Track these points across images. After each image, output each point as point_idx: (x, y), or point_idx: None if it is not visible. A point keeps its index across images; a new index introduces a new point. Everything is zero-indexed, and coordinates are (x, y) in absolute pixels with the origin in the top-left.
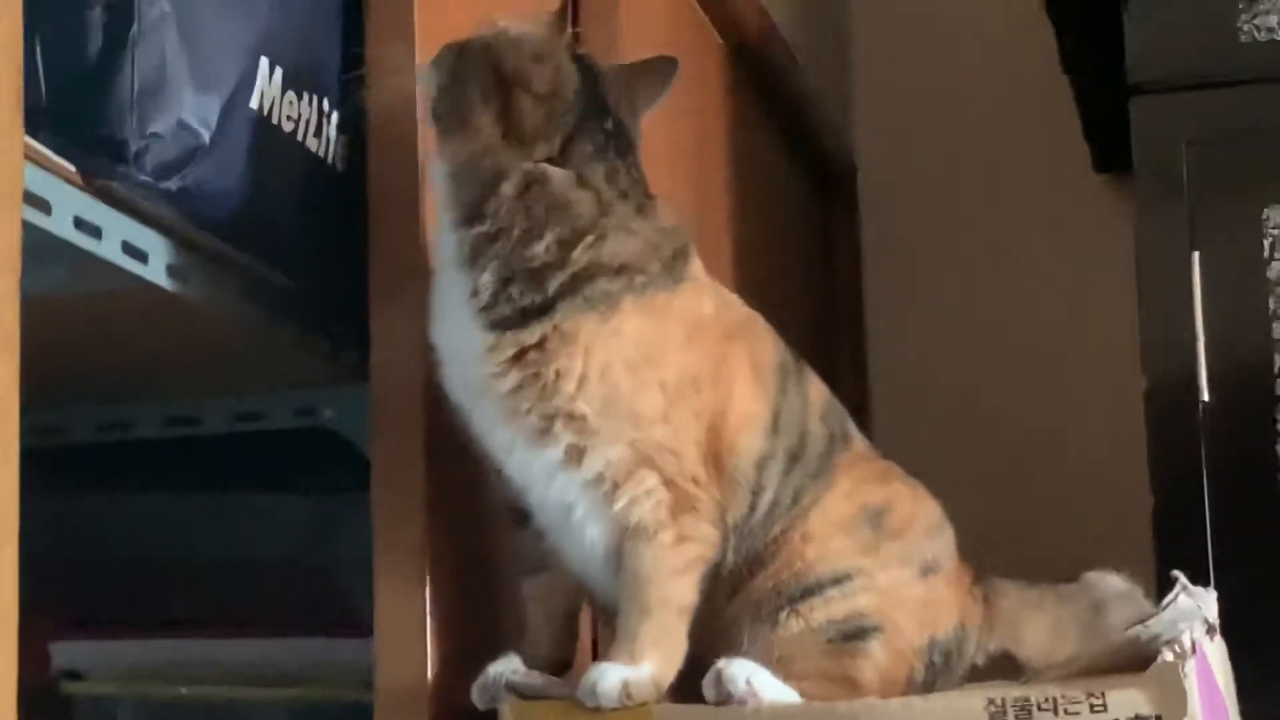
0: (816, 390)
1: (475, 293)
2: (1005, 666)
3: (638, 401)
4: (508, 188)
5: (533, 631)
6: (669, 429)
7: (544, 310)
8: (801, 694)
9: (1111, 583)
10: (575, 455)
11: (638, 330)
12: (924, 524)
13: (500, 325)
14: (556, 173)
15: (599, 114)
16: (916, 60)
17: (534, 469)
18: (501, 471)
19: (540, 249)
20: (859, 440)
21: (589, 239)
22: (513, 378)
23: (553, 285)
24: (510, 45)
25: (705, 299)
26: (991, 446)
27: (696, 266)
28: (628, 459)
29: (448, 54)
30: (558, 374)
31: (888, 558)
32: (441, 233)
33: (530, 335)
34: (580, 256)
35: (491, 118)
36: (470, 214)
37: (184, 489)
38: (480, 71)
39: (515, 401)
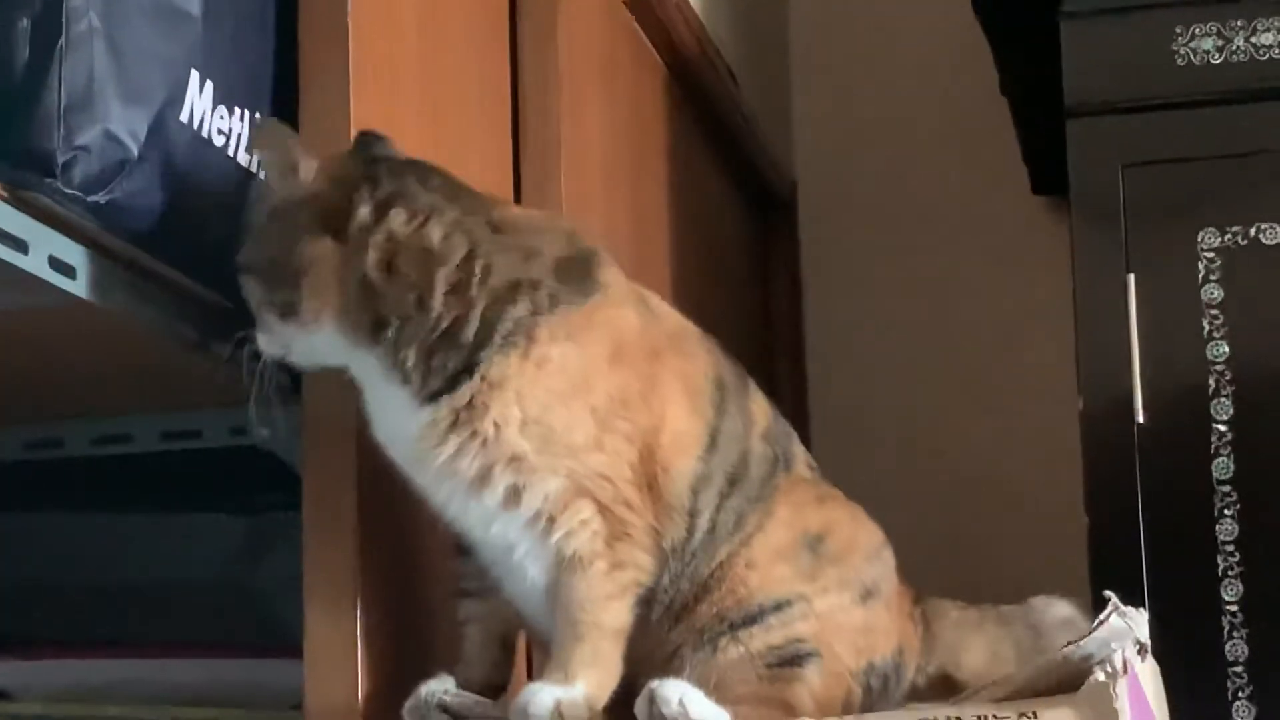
0: (760, 408)
1: (405, 379)
2: (946, 687)
3: (573, 432)
4: (381, 282)
5: (469, 653)
6: (604, 455)
7: (469, 368)
8: (736, 718)
9: (1057, 609)
10: (514, 495)
11: (561, 357)
12: (864, 549)
13: (434, 396)
14: (400, 229)
15: (376, 163)
16: (855, 82)
17: (473, 515)
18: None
19: (439, 307)
20: (801, 461)
21: (475, 274)
22: (452, 444)
23: (468, 335)
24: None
25: (627, 310)
26: (930, 468)
27: (610, 274)
28: (565, 490)
29: (254, 257)
30: (496, 425)
31: (826, 583)
32: (350, 358)
33: (461, 397)
34: (478, 296)
35: (324, 240)
36: (371, 331)
37: (114, 508)
38: (283, 235)
39: (456, 462)
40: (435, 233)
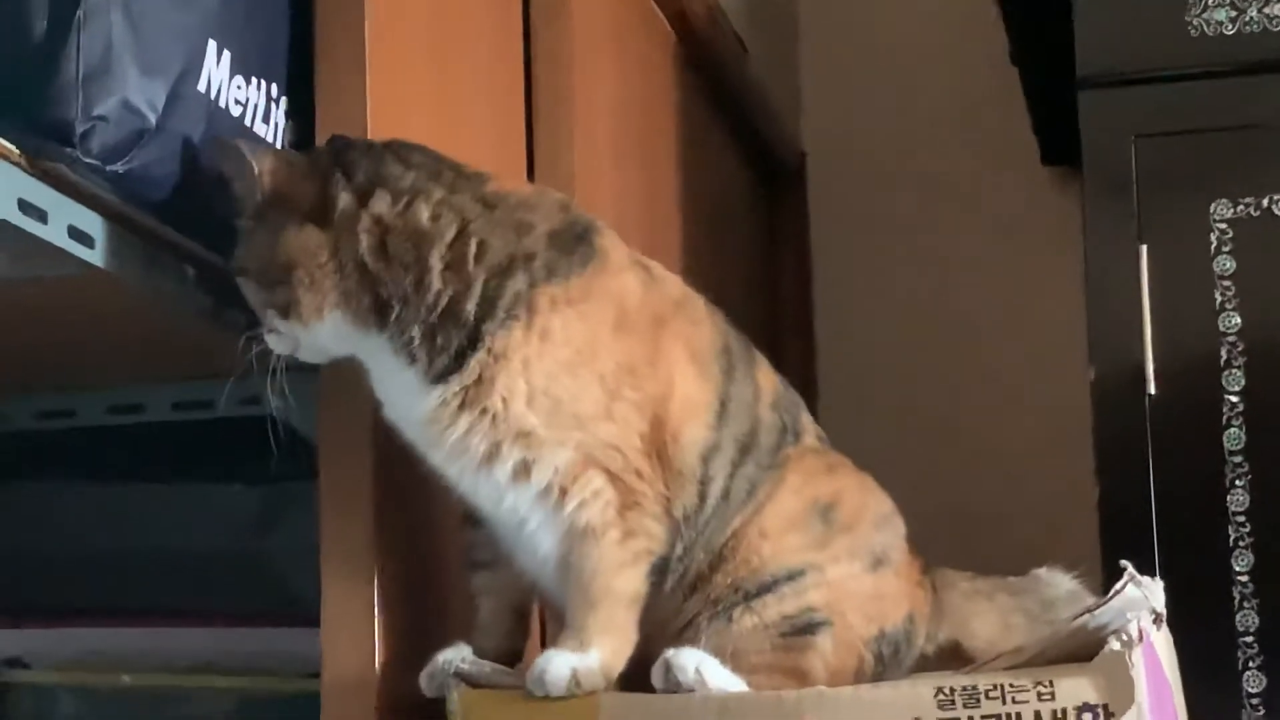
0: (767, 377)
1: (412, 359)
2: (955, 657)
3: (580, 402)
4: (375, 265)
5: (483, 624)
6: (613, 425)
7: (473, 342)
8: (750, 686)
9: (1059, 581)
10: (524, 470)
11: (564, 326)
12: (873, 517)
13: (441, 376)
14: (386, 212)
15: (347, 150)
16: (865, 52)
17: (484, 491)
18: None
19: (438, 285)
20: (810, 430)
21: (470, 250)
22: (463, 422)
23: (470, 311)
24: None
25: (628, 277)
26: (938, 441)
27: (607, 241)
28: (575, 462)
29: (245, 261)
30: (504, 400)
31: (838, 551)
32: (358, 346)
33: (470, 374)
34: (475, 272)
35: (297, 226)
36: (375, 315)
37: (127, 478)
38: (265, 236)
39: (466, 440)
40: (423, 212)
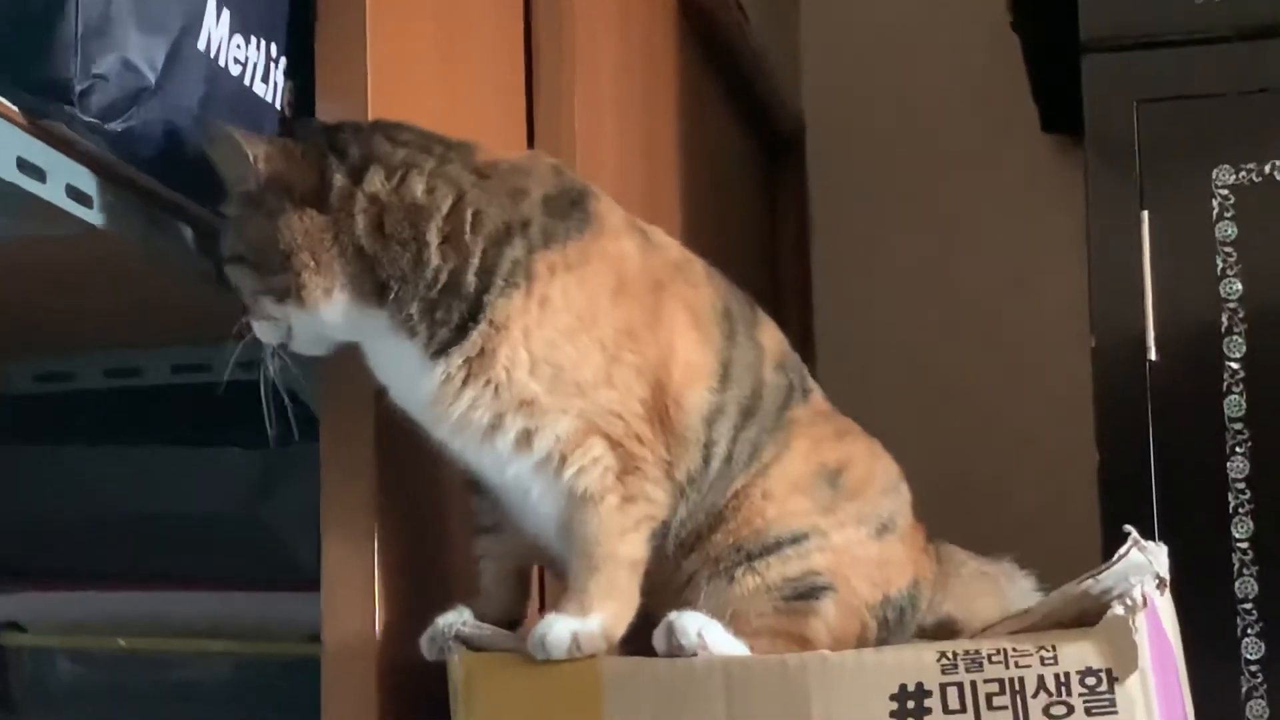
0: (771, 338)
1: (413, 335)
2: (950, 634)
3: (581, 369)
4: (372, 245)
5: (485, 587)
6: (614, 391)
7: (474, 314)
8: (752, 649)
9: (1022, 582)
10: (525, 439)
11: (563, 292)
12: (880, 483)
13: (443, 350)
14: (381, 189)
15: (338, 131)
16: (865, 21)
17: (488, 461)
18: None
19: (437, 260)
20: (817, 393)
21: (466, 221)
22: (467, 397)
23: (469, 282)
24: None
25: (624, 242)
26: (939, 408)
27: (603, 206)
28: (576, 429)
29: (238, 247)
30: (507, 370)
31: (844, 517)
32: (361, 327)
33: (472, 345)
34: (473, 242)
35: (293, 210)
36: (375, 294)
37: (125, 441)
38: (261, 220)
39: (470, 414)
40: (417, 187)
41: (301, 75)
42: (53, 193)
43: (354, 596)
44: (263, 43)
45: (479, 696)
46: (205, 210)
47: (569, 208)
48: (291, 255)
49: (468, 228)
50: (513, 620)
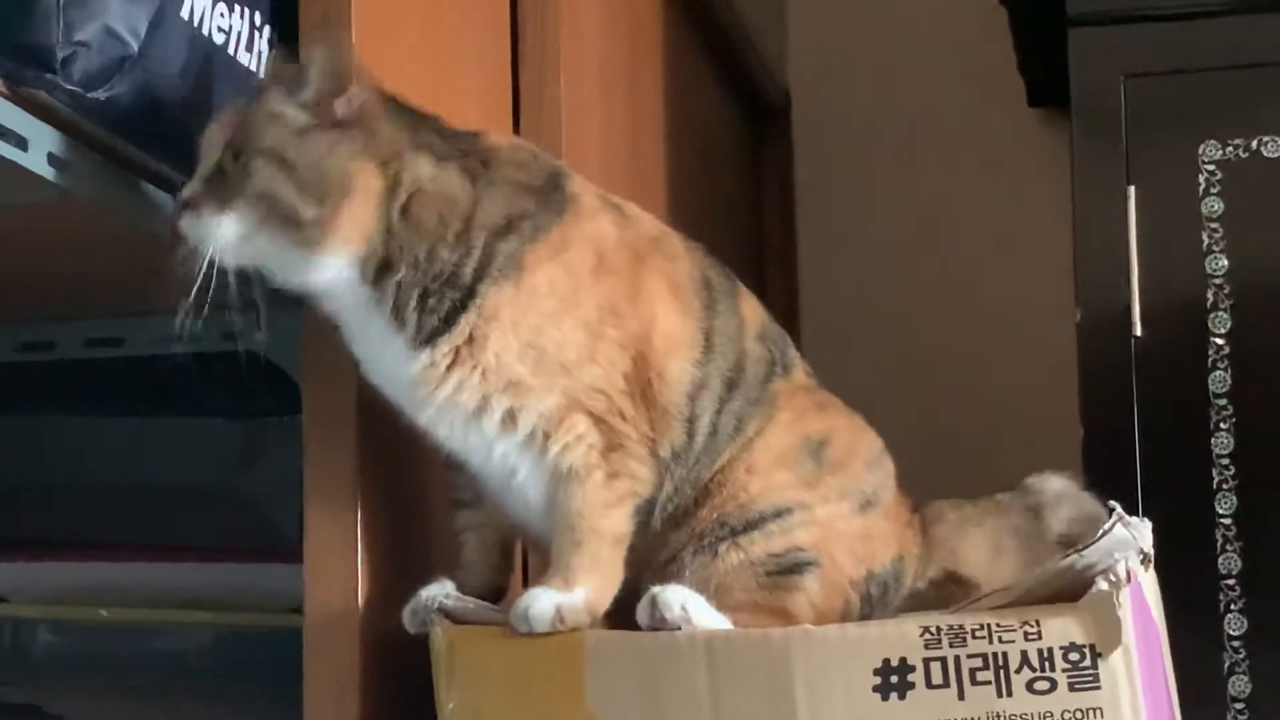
0: (751, 309)
1: (401, 325)
2: (951, 583)
3: (565, 350)
4: (398, 225)
5: (468, 560)
6: (597, 367)
7: (464, 302)
8: (735, 624)
9: (1052, 484)
10: (510, 419)
11: (548, 279)
12: (864, 457)
13: (429, 339)
14: (425, 175)
15: (408, 110)
16: None
17: (473, 443)
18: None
19: (447, 254)
20: (800, 367)
21: (476, 215)
22: (453, 381)
23: (467, 275)
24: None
25: (601, 219)
26: (923, 381)
27: (577, 186)
28: (559, 407)
29: (291, 153)
30: (497, 355)
31: (827, 491)
32: (338, 284)
33: (460, 334)
34: (478, 237)
35: (364, 159)
36: (375, 270)
37: (106, 411)
38: (320, 121)
39: (456, 397)
40: (454, 182)
41: (286, 44)
42: (34, 161)
43: (336, 567)
44: (246, 11)
45: (461, 668)
46: (187, 178)
47: (549, 193)
48: (341, 196)
49: (476, 220)
50: (496, 592)
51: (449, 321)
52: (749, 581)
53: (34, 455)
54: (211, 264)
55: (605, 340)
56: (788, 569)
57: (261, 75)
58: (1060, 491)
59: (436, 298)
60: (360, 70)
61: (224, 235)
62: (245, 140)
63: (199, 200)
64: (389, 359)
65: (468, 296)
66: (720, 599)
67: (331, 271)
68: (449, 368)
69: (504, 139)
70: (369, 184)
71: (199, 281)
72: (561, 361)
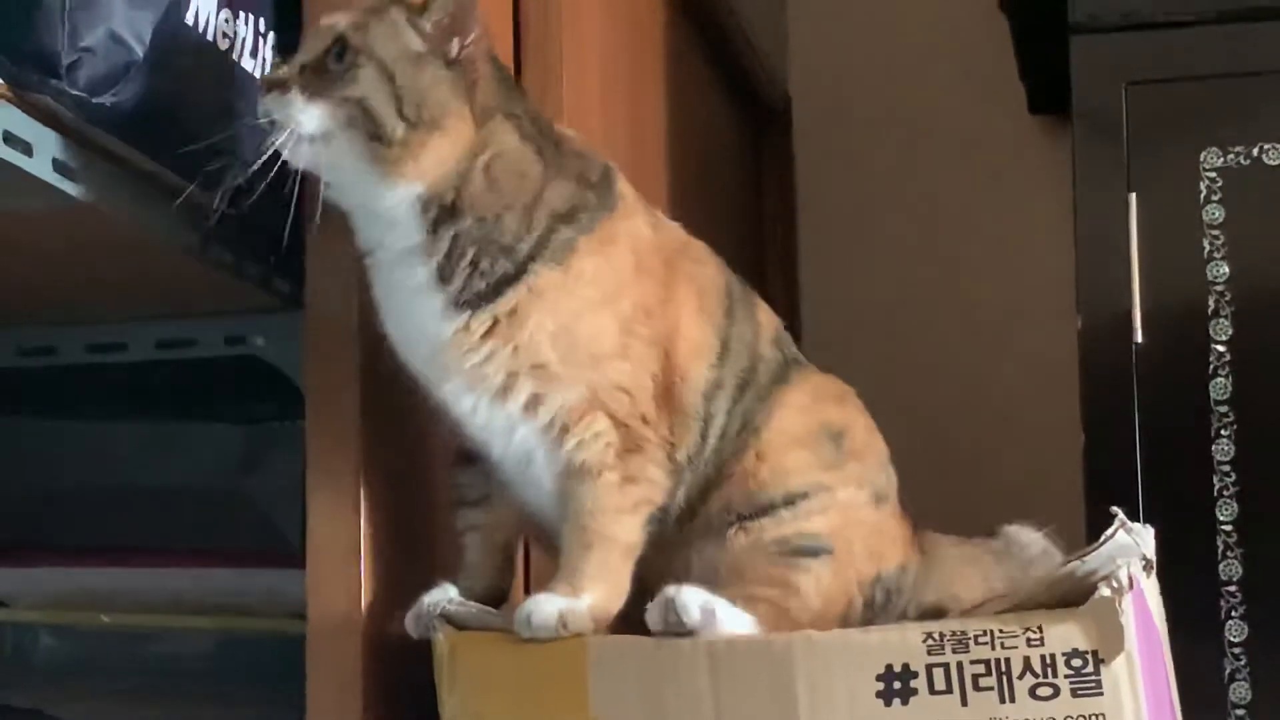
0: (766, 315)
1: (443, 278)
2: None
3: (598, 342)
4: (478, 177)
5: (470, 562)
6: (627, 364)
7: (516, 277)
8: (746, 608)
9: (1030, 539)
10: (534, 403)
11: (595, 269)
12: (879, 454)
13: (471, 303)
14: (510, 143)
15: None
16: None
17: (497, 423)
18: (462, 428)
19: (512, 222)
20: (811, 368)
21: (545, 196)
22: (484, 350)
23: (524, 250)
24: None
25: (640, 220)
26: (923, 386)
27: (624, 185)
28: (581, 400)
29: (402, 65)
30: (533, 334)
31: (848, 476)
32: (396, 216)
33: (505, 305)
34: (542, 217)
35: (462, 103)
36: (437, 213)
37: (108, 416)
38: (433, 51)
39: (484, 368)
40: (531, 159)
41: (290, 50)
42: (39, 167)
43: (339, 572)
44: (251, 17)
45: (464, 674)
46: (190, 184)
47: (605, 189)
48: (433, 127)
49: (543, 201)
50: (498, 595)
51: (497, 290)
52: (760, 562)
53: (35, 460)
54: (279, 151)
55: (637, 337)
56: (802, 551)
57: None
58: (1044, 551)
59: (490, 260)
60: (482, 20)
61: (306, 124)
62: (357, 43)
63: (290, 83)
64: (423, 315)
65: (521, 271)
66: (731, 583)
67: (396, 199)
68: (483, 336)
69: (568, 130)
70: (460, 127)
71: (263, 160)
72: (592, 353)
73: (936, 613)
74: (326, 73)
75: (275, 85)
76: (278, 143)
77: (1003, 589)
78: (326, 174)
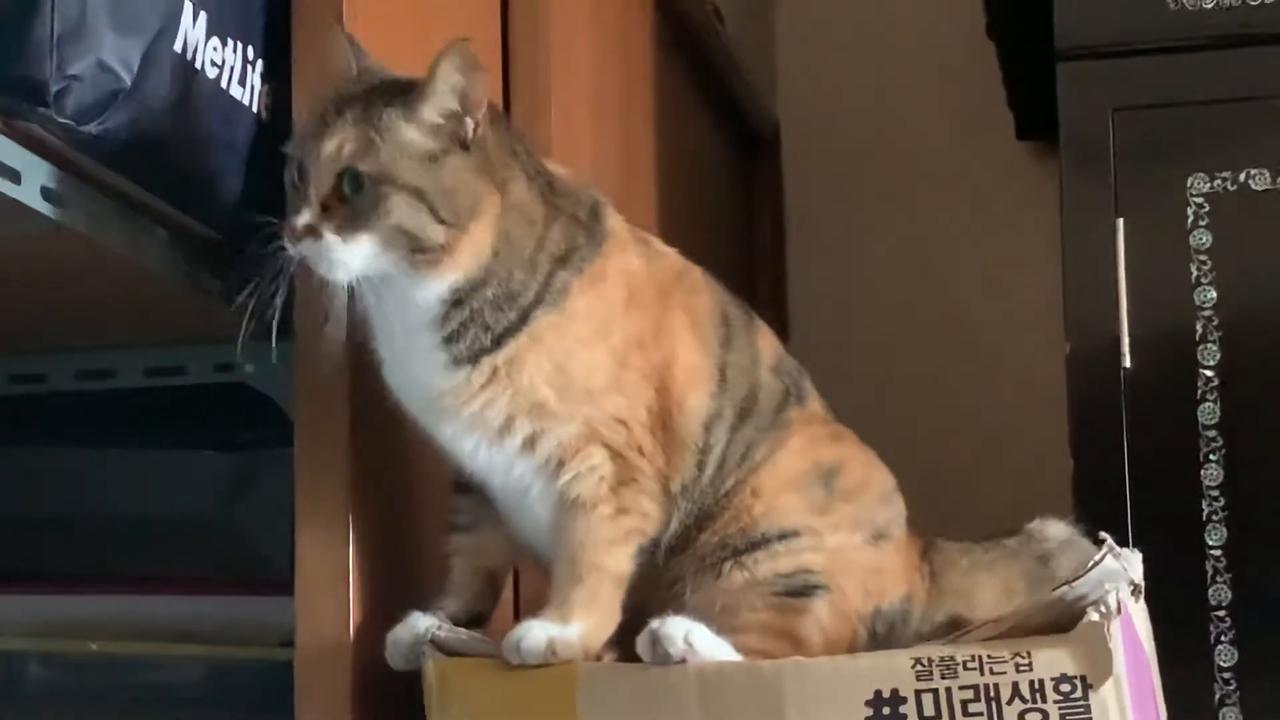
0: (767, 342)
1: (451, 342)
2: (954, 632)
3: (592, 377)
4: (503, 245)
5: (452, 584)
6: (621, 398)
7: (517, 328)
8: (740, 648)
9: (1053, 531)
10: (532, 441)
11: (587, 306)
12: (877, 490)
13: (473, 358)
14: (520, 191)
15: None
16: (841, 24)
17: (496, 461)
18: (461, 464)
19: (521, 275)
20: (815, 399)
21: (546, 241)
22: (483, 397)
23: (529, 298)
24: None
25: (630, 254)
26: (913, 413)
27: (614, 220)
28: (577, 436)
29: (423, 180)
30: (531, 377)
31: (839, 520)
32: (393, 306)
33: (505, 354)
34: (543, 263)
35: (487, 182)
36: (462, 296)
37: (97, 443)
38: (447, 144)
39: (484, 414)
40: (536, 204)
41: (278, 78)
42: (28, 194)
43: (328, 600)
44: (239, 45)
45: (453, 700)
46: (179, 212)
47: (594, 225)
48: (470, 214)
49: (544, 247)
50: (477, 619)
51: (498, 343)
52: (756, 602)
53: (24, 487)
54: (347, 287)
55: (631, 370)
56: (797, 590)
57: (254, 109)
58: (1065, 540)
59: (496, 314)
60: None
61: (353, 264)
62: (371, 171)
63: (319, 227)
64: (422, 368)
65: (523, 320)
66: (725, 620)
67: (430, 293)
68: (483, 385)
69: (559, 168)
70: (491, 205)
71: (342, 300)
72: (587, 388)
73: (952, 626)
74: (352, 205)
75: (306, 233)
76: (340, 283)
77: (1020, 587)
78: (362, 284)
